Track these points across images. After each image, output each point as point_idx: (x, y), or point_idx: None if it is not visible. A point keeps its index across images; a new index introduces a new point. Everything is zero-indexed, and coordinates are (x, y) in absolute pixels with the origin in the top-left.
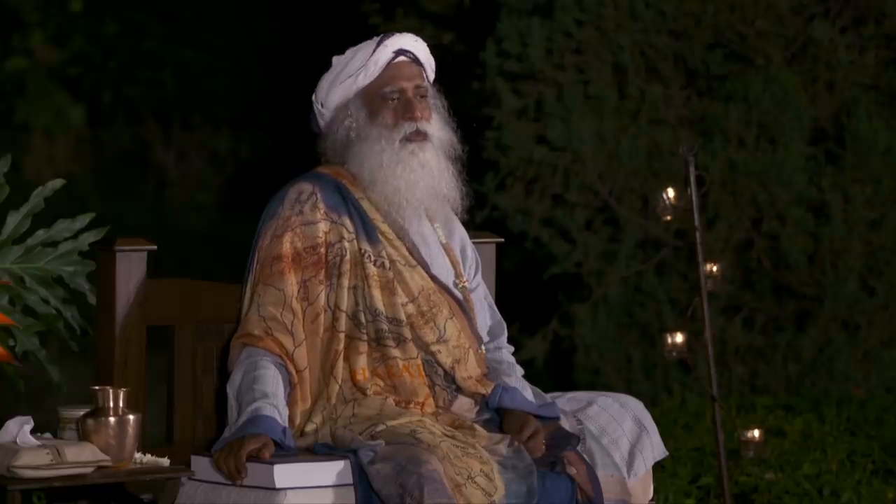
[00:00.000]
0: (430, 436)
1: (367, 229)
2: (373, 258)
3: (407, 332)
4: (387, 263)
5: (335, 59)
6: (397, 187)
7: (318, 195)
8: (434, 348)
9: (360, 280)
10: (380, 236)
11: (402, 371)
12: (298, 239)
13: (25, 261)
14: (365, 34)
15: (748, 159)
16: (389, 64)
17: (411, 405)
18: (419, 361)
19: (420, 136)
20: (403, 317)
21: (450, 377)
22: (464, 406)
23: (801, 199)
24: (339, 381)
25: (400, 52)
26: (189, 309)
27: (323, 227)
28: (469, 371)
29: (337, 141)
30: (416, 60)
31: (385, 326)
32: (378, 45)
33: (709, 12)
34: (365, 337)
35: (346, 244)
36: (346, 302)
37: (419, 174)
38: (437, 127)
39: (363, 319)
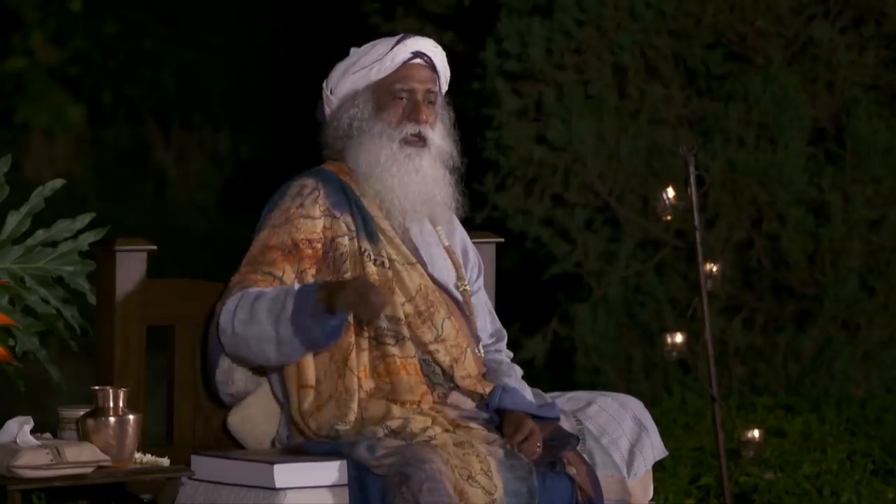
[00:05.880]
0: (436, 431)
1: (367, 227)
2: (372, 257)
3: (405, 331)
4: (386, 263)
5: (353, 50)
6: (391, 186)
7: (321, 191)
8: (432, 347)
9: None
10: (380, 234)
11: (400, 369)
12: (296, 230)
13: (25, 261)
14: (365, 34)
15: (748, 159)
16: (405, 63)
17: (407, 404)
18: (416, 360)
19: (420, 140)
20: (402, 315)
21: (448, 376)
22: (460, 400)
23: (801, 199)
24: (356, 373)
25: (418, 54)
26: (189, 309)
27: (322, 223)
28: (467, 370)
29: (339, 130)
30: (432, 67)
31: (384, 325)
32: (398, 42)
33: (709, 12)
34: (366, 335)
35: (347, 242)
36: None
37: (413, 178)
38: (439, 136)
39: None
